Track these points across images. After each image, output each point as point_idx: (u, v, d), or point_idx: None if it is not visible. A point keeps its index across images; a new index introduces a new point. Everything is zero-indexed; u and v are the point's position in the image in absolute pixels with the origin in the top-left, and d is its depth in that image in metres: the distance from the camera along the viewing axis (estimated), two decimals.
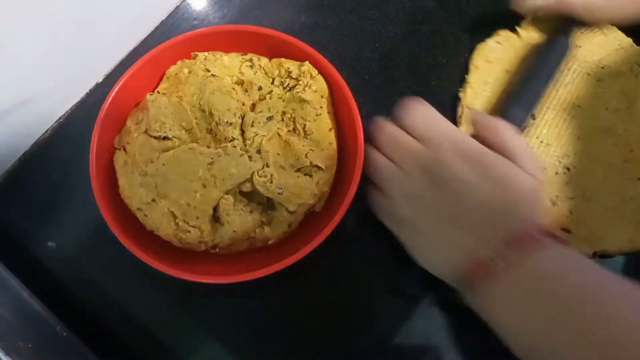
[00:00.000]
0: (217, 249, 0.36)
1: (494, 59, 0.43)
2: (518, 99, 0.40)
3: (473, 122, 0.37)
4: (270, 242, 0.36)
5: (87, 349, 0.36)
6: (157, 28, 0.46)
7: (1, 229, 0.40)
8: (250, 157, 0.34)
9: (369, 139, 0.37)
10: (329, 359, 0.37)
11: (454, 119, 0.42)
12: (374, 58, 0.44)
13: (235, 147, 0.35)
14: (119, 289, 0.38)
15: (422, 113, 0.36)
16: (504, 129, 0.35)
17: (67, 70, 0.38)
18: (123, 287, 0.37)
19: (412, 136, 0.36)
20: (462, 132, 0.36)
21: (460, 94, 0.42)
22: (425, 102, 0.37)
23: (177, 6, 0.46)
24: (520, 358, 0.30)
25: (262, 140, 0.35)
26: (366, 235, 0.39)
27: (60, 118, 0.42)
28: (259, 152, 0.35)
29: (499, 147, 0.34)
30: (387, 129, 0.37)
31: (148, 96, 0.37)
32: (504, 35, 0.44)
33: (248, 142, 0.35)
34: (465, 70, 0.43)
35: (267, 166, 0.34)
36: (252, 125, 0.35)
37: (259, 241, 0.36)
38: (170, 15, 0.46)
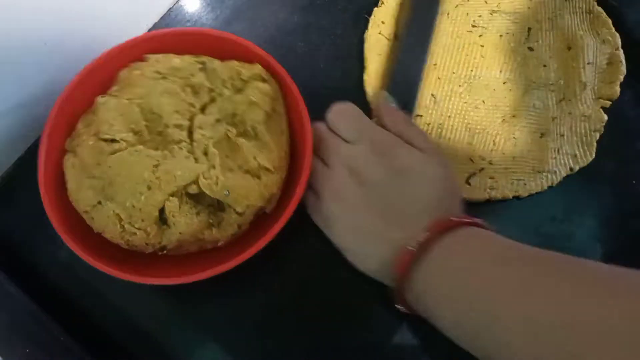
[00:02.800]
0: (165, 251, 0.36)
1: None
2: (398, 75, 0.42)
3: (375, 111, 0.40)
4: (220, 244, 0.36)
5: (85, 353, 0.36)
6: (149, 31, 0.46)
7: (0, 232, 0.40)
8: (196, 159, 0.34)
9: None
10: (328, 358, 0.37)
11: None
12: None
13: (181, 149, 0.35)
14: (117, 292, 0.38)
15: (347, 114, 0.38)
16: (397, 118, 0.38)
17: (60, 74, 0.38)
18: (121, 290, 0.37)
19: (341, 137, 0.37)
20: (379, 128, 0.37)
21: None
22: (351, 104, 0.38)
23: (170, 8, 0.46)
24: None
25: (209, 142, 0.35)
26: None
27: None
28: (205, 154, 0.35)
29: (399, 135, 0.37)
30: (317, 131, 0.38)
31: (99, 99, 0.37)
32: None
33: (195, 144, 0.35)
34: None
35: (214, 168, 0.34)
36: (200, 128, 0.35)
37: (209, 242, 0.36)
38: (162, 18, 0.46)
